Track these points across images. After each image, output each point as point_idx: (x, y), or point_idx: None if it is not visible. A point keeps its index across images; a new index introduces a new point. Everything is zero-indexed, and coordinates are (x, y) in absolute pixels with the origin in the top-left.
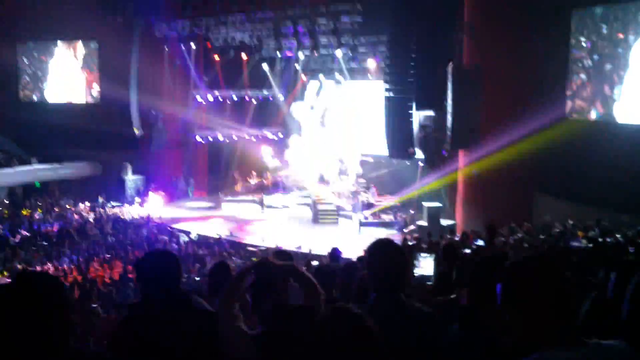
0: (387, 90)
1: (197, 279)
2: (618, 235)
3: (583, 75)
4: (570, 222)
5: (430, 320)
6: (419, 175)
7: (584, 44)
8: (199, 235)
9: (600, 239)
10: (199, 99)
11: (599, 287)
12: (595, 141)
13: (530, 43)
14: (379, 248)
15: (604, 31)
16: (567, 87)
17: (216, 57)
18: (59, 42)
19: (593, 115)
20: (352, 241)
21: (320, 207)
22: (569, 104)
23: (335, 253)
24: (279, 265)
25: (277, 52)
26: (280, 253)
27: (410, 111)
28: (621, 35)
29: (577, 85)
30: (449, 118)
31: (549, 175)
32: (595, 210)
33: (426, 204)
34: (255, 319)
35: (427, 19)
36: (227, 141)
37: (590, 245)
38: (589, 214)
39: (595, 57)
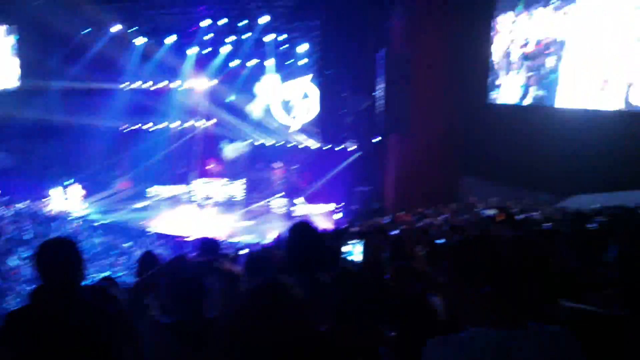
0: (318, 76)
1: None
2: (534, 213)
3: (508, 59)
4: (493, 199)
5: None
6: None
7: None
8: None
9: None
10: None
11: None
12: (516, 124)
13: (457, 27)
14: (295, 230)
15: (530, 13)
16: (492, 72)
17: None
18: None
19: (516, 99)
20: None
21: (250, 194)
22: (494, 87)
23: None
24: (195, 263)
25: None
26: (206, 243)
27: (342, 96)
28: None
29: (501, 69)
30: (380, 103)
31: (474, 158)
32: (517, 190)
33: (357, 189)
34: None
35: (359, 6)
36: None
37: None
38: (511, 194)
39: (521, 41)
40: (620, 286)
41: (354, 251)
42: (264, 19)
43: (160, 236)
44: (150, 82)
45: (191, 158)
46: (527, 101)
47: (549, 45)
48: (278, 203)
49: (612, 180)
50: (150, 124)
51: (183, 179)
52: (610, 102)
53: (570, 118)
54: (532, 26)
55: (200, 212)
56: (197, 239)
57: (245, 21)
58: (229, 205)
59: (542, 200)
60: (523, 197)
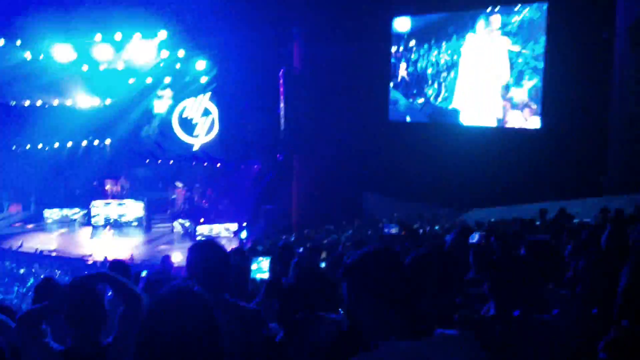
0: (219, 94)
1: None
2: (436, 227)
3: (406, 79)
4: (395, 214)
5: (255, 318)
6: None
7: (406, 51)
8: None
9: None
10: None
11: None
12: (416, 141)
13: (356, 50)
14: (199, 250)
15: (422, 39)
16: (390, 91)
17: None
18: None
19: (414, 116)
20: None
21: (151, 215)
22: (392, 107)
23: (166, 261)
24: (92, 290)
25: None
26: (116, 264)
27: (243, 114)
28: (438, 43)
29: (400, 87)
30: (282, 122)
31: (376, 175)
32: (418, 205)
33: (263, 207)
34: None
35: (257, 24)
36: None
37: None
38: (412, 209)
39: (418, 63)
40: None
41: (262, 268)
42: (162, 35)
43: (56, 259)
44: (40, 101)
45: (89, 178)
46: (425, 119)
47: (444, 66)
48: (180, 223)
49: (505, 193)
50: (41, 144)
51: (80, 201)
52: (492, 120)
53: (465, 135)
54: (430, 49)
55: (99, 235)
56: (105, 262)
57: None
58: (128, 226)
59: (441, 214)
60: (424, 211)
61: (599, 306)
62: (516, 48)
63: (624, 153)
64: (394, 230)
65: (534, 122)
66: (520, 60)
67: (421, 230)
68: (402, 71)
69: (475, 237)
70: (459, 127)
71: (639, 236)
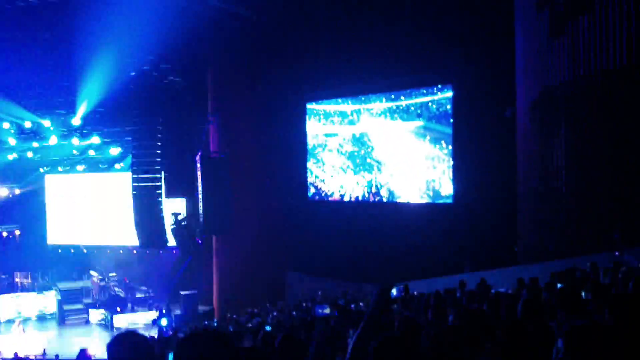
0: (135, 180)
1: None
2: (361, 303)
3: (321, 158)
4: (319, 293)
5: None
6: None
7: (322, 132)
8: None
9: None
10: None
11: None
12: (336, 219)
13: (273, 133)
14: (120, 343)
15: (334, 121)
16: (308, 169)
17: None
18: None
19: (336, 195)
20: (105, 339)
21: (65, 306)
22: (311, 187)
23: (83, 355)
24: None
25: None
26: None
27: (160, 199)
28: (349, 125)
29: (315, 168)
30: (201, 205)
31: (299, 254)
32: (342, 282)
33: (183, 292)
34: None
35: (172, 109)
36: None
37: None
38: (336, 287)
39: (333, 142)
40: None
41: None
42: (75, 121)
43: None
44: None
45: None
46: (346, 197)
47: (362, 144)
48: (97, 314)
49: (426, 267)
50: None
51: None
52: (417, 195)
53: (384, 211)
54: (344, 127)
55: (9, 330)
56: (15, 359)
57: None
58: (41, 320)
59: (366, 290)
60: (348, 288)
61: None
62: (424, 130)
63: (532, 224)
64: (326, 311)
65: (448, 198)
66: (428, 138)
67: (353, 306)
68: (320, 152)
69: (394, 292)
70: (378, 204)
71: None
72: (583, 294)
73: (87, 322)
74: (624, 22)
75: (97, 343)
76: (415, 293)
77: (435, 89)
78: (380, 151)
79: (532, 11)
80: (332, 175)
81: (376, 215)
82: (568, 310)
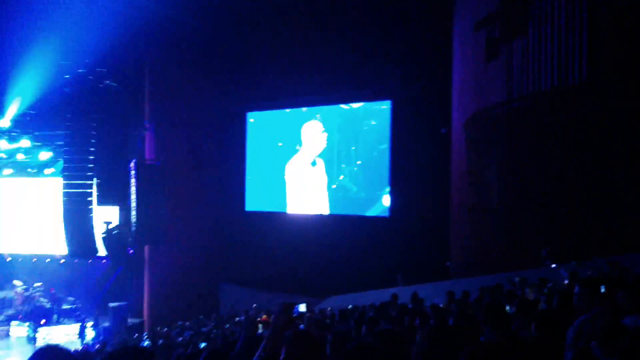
0: (65, 186)
1: None
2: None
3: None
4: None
5: None
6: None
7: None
8: None
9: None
10: None
11: None
12: (273, 231)
13: (211, 141)
14: (42, 357)
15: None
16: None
17: None
18: None
19: (270, 207)
20: (26, 354)
21: None
22: (247, 198)
23: None
24: None
25: None
26: None
27: (91, 207)
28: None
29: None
30: (134, 214)
31: (233, 265)
32: (276, 295)
33: (112, 304)
34: None
35: (107, 114)
36: None
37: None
38: (271, 299)
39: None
40: None
41: None
42: (4, 123)
43: None
44: None
45: None
46: (281, 208)
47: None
48: (19, 327)
49: (361, 280)
50: None
51: None
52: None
53: (320, 224)
54: (282, 136)
55: None
56: None
57: None
58: None
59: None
60: (284, 300)
61: None
62: (358, 144)
63: (464, 240)
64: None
65: (385, 212)
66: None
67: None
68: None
69: (299, 309)
70: (317, 216)
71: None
72: (508, 308)
73: (7, 334)
74: (555, 44)
75: (18, 358)
76: (350, 306)
77: (373, 102)
78: (303, 162)
79: (469, 33)
80: (272, 186)
81: (313, 228)
82: (493, 324)
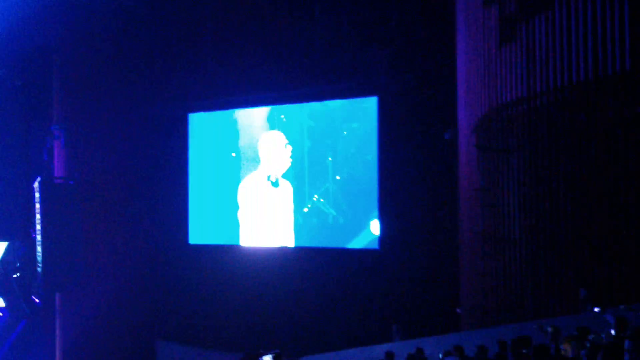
0: None
1: None
2: None
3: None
4: None
5: None
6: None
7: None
8: None
9: None
10: None
11: None
12: (220, 272)
13: (142, 152)
14: None
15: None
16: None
17: None
18: None
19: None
20: None
21: None
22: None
23: None
24: None
25: None
26: None
27: None
28: None
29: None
30: (39, 250)
31: (172, 319)
32: (228, 355)
33: None
34: None
35: (4, 116)
36: None
37: None
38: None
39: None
40: None
41: None
42: None
43: None
44: None
45: None
46: (231, 241)
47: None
48: None
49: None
50: None
51: None
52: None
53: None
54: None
55: None
56: None
57: None
58: None
59: None
60: None
61: None
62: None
63: (477, 278)
64: None
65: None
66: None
67: None
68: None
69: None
70: (274, 250)
71: None
72: None
73: None
74: (588, 23)
75: None
76: None
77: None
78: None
79: (478, 8)
80: (223, 213)
81: (279, 266)
82: None
